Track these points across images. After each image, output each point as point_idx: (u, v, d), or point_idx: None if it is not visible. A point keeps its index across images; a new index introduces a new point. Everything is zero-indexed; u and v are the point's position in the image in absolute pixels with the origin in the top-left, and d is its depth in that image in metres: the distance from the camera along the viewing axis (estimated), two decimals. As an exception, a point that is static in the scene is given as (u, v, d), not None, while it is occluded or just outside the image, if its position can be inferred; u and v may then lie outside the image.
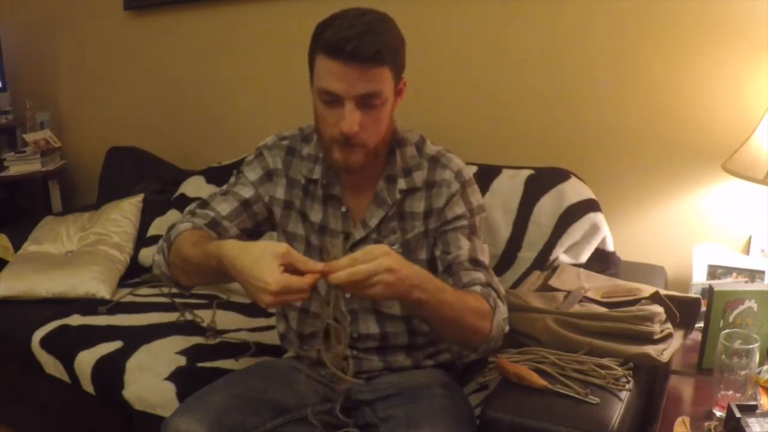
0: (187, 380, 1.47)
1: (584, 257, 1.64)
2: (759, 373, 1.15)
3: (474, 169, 1.73)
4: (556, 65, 1.84)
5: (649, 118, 1.74)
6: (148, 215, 2.26)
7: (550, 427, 1.06)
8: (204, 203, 1.32)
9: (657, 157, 1.75)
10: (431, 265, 1.25)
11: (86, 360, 1.62)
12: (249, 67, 2.40)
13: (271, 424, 1.21)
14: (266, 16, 2.29)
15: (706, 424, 1.10)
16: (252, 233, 1.33)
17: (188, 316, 1.80)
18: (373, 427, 1.23)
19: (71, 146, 2.98)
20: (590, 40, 1.78)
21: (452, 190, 1.25)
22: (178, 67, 2.60)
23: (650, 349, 1.20)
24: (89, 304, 1.88)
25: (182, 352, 1.59)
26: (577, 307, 1.35)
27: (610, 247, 1.68)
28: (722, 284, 1.33)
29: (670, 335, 1.26)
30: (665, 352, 1.21)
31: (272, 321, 1.64)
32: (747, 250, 1.65)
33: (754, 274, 1.52)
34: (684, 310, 1.32)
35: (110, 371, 1.58)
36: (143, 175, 2.40)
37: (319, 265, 1.00)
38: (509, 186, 1.71)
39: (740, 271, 1.53)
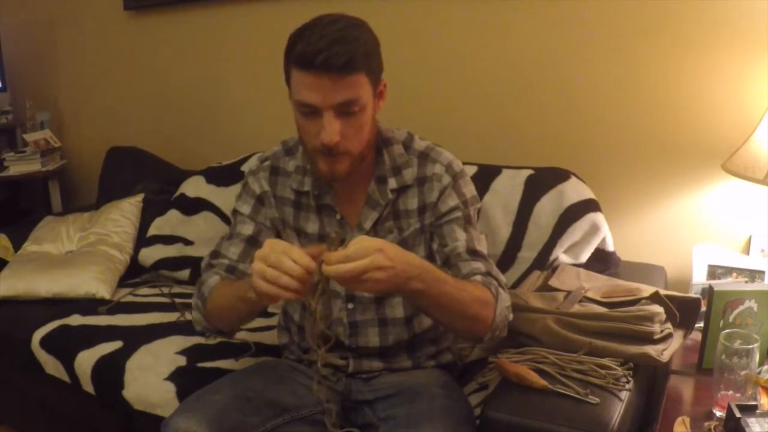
0: (187, 380, 1.47)
1: (584, 257, 1.64)
2: (759, 373, 1.15)
3: (474, 169, 1.74)
4: (556, 65, 1.84)
5: (649, 118, 1.74)
6: (148, 215, 2.26)
7: (550, 427, 1.06)
8: (215, 253, 1.33)
9: (657, 157, 1.75)
10: (430, 260, 1.25)
11: (86, 360, 1.62)
12: (249, 67, 2.41)
13: (270, 423, 1.21)
14: (266, 17, 2.30)
15: (706, 424, 1.10)
16: None
17: (188, 316, 1.80)
18: (372, 427, 1.23)
19: (71, 146, 2.98)
20: (590, 40, 1.78)
21: (444, 184, 1.24)
22: (178, 67, 2.60)
23: (650, 349, 1.20)
24: (89, 304, 1.88)
25: (182, 352, 1.59)
26: (577, 307, 1.35)
27: (610, 247, 1.68)
28: (722, 284, 1.33)
29: (670, 335, 1.26)
30: (665, 352, 1.21)
31: (272, 321, 1.65)
32: (747, 250, 1.65)
33: (754, 274, 1.52)
34: (684, 310, 1.32)
35: (110, 371, 1.58)
36: (143, 175, 2.40)
37: (315, 251, 1.00)
38: (509, 186, 1.71)
39: (740, 271, 1.53)
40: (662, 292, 1.34)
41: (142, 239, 2.19)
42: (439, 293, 1.08)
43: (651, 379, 1.31)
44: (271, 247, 1.01)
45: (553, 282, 1.48)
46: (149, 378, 1.52)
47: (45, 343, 1.73)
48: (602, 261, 1.66)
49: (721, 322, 1.26)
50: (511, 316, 1.22)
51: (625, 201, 1.80)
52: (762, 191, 1.58)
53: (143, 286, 2.05)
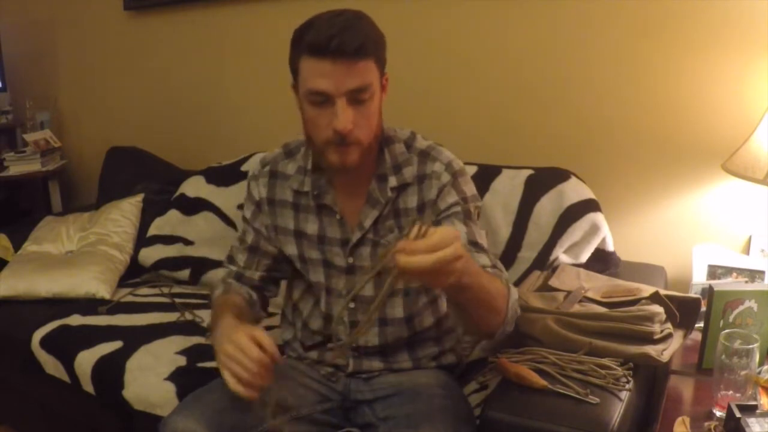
0: (187, 380, 1.47)
1: (584, 257, 1.64)
2: (759, 373, 1.15)
3: (474, 169, 1.74)
4: (556, 65, 1.84)
5: (649, 117, 1.74)
6: (148, 215, 2.26)
7: (550, 427, 1.06)
8: (230, 258, 1.39)
9: (657, 157, 1.75)
10: None
11: (86, 360, 1.62)
12: (249, 67, 2.41)
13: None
14: (266, 16, 2.30)
15: (706, 424, 1.10)
16: (278, 264, 1.37)
17: (188, 316, 1.81)
18: (372, 427, 1.23)
19: (71, 146, 2.99)
20: (590, 40, 1.78)
21: (443, 182, 1.24)
22: (178, 67, 2.60)
23: (650, 349, 1.20)
24: (89, 304, 1.88)
25: (182, 352, 1.59)
26: (577, 307, 1.35)
27: (610, 247, 1.68)
28: (722, 284, 1.33)
29: (670, 335, 1.26)
30: (665, 352, 1.21)
31: (272, 321, 1.64)
32: (747, 250, 1.65)
33: (754, 274, 1.52)
34: (684, 310, 1.32)
35: (110, 371, 1.58)
36: (143, 175, 2.40)
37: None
38: (509, 186, 1.71)
39: (740, 271, 1.53)
40: (662, 292, 1.34)
41: (142, 239, 2.19)
42: (478, 286, 1.04)
43: (651, 379, 1.31)
44: (234, 339, 1.09)
45: (553, 282, 1.48)
46: (149, 378, 1.52)
47: (45, 343, 1.73)
48: (602, 261, 1.66)
49: (721, 322, 1.26)
50: (519, 311, 1.22)
51: (625, 201, 1.80)
52: (762, 191, 1.58)
53: (143, 286, 2.05)
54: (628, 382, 1.16)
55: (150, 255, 2.13)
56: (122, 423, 1.58)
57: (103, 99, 2.87)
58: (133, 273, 2.12)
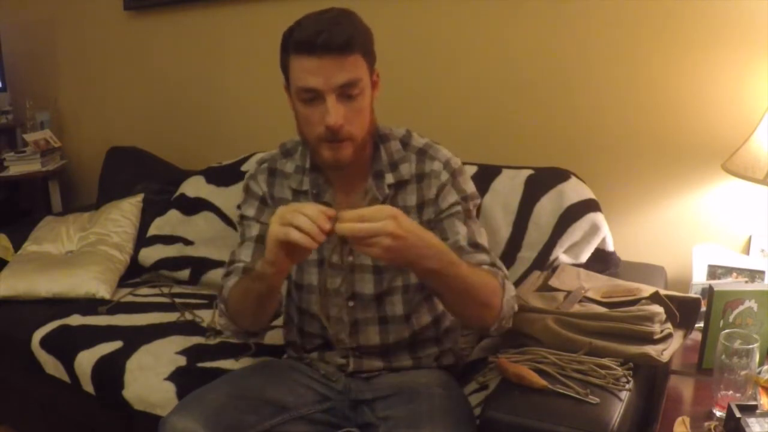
0: (187, 380, 1.47)
1: (584, 257, 1.64)
2: (759, 373, 1.15)
3: (474, 169, 1.74)
4: (556, 65, 1.84)
5: (649, 118, 1.74)
6: (148, 215, 2.26)
7: (550, 427, 1.06)
8: (230, 261, 1.34)
9: (657, 157, 1.75)
10: None
11: (86, 360, 1.62)
12: (249, 67, 2.41)
13: (269, 422, 1.21)
14: (266, 16, 2.30)
15: (706, 424, 1.10)
16: None
17: (188, 316, 1.80)
18: (372, 426, 1.23)
19: (71, 146, 2.99)
20: (590, 40, 1.78)
21: (442, 180, 1.25)
22: (178, 67, 2.60)
23: (650, 349, 1.20)
24: (89, 304, 1.88)
25: (182, 352, 1.59)
26: (577, 307, 1.35)
27: (610, 247, 1.68)
28: (722, 284, 1.33)
29: (670, 335, 1.26)
30: (665, 352, 1.21)
31: (274, 321, 1.64)
32: (747, 250, 1.65)
33: (754, 274, 1.52)
34: (684, 310, 1.32)
35: (110, 371, 1.58)
36: (143, 175, 2.40)
37: (330, 212, 1.01)
38: (509, 186, 1.71)
39: (740, 271, 1.53)
40: (662, 292, 1.34)
41: (142, 239, 2.19)
42: (453, 275, 1.08)
43: (651, 379, 1.31)
44: (286, 205, 1.04)
45: (553, 282, 1.48)
46: (149, 378, 1.52)
47: (45, 343, 1.73)
48: (602, 261, 1.66)
49: (721, 322, 1.26)
50: (516, 307, 1.23)
51: (625, 201, 1.80)
52: (762, 191, 1.58)
53: (143, 286, 2.05)
54: (628, 382, 1.16)
55: (150, 255, 2.13)
56: (122, 423, 1.58)
57: (103, 99, 2.87)
58: (133, 273, 2.12)
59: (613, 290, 1.41)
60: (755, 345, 1.10)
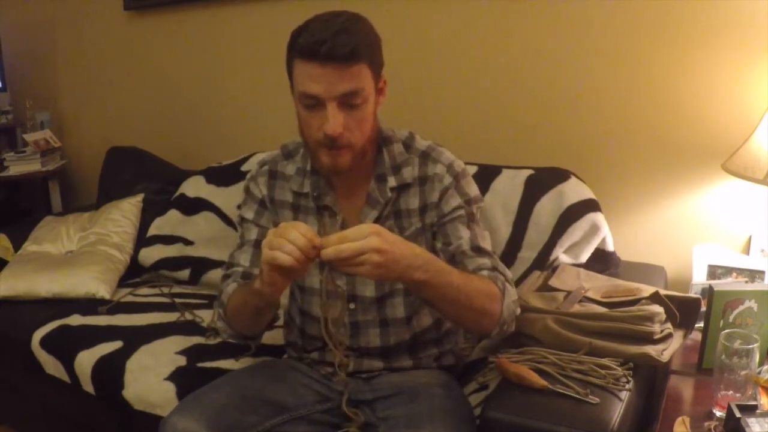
0: (187, 380, 1.47)
1: (584, 257, 1.64)
2: (759, 373, 1.15)
3: (474, 169, 1.73)
4: (556, 65, 1.84)
5: (649, 117, 1.74)
6: (148, 215, 2.26)
7: (550, 427, 1.06)
8: (229, 264, 1.35)
9: (657, 157, 1.75)
10: None
11: (86, 360, 1.62)
12: (249, 67, 2.41)
13: (269, 423, 1.21)
14: (266, 16, 2.30)
15: (706, 424, 1.10)
16: None
17: (188, 316, 1.81)
18: (372, 427, 1.23)
19: (71, 146, 2.99)
20: (590, 40, 1.78)
21: (445, 184, 1.25)
22: (178, 67, 2.60)
23: (650, 349, 1.20)
24: (89, 304, 1.88)
25: (182, 352, 1.59)
26: (577, 307, 1.35)
27: (610, 247, 1.68)
28: (722, 284, 1.33)
29: (670, 335, 1.26)
30: (665, 352, 1.21)
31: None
32: (747, 250, 1.65)
33: (754, 274, 1.52)
34: (684, 310, 1.32)
35: (110, 371, 1.58)
36: (143, 175, 2.40)
37: (315, 239, 1.01)
38: (509, 186, 1.71)
39: (740, 271, 1.53)
40: (662, 292, 1.34)
41: (142, 239, 2.19)
42: (444, 284, 1.08)
43: (651, 379, 1.31)
44: (281, 224, 1.04)
45: (553, 282, 1.48)
46: (149, 378, 1.52)
47: (45, 343, 1.73)
48: (602, 261, 1.66)
49: (721, 322, 1.26)
50: (518, 311, 1.22)
51: (625, 201, 1.80)
52: (762, 191, 1.58)
53: (143, 286, 2.05)
54: (628, 382, 1.16)
55: (150, 255, 2.13)
56: (122, 423, 1.58)
57: (103, 99, 2.87)
58: (133, 273, 2.12)
59: (613, 290, 1.41)
60: (755, 345, 1.10)
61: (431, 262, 1.07)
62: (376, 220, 1.25)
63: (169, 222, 2.17)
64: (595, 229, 1.63)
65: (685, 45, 1.66)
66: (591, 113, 1.82)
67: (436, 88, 2.04)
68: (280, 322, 1.48)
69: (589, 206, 1.63)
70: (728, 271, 1.54)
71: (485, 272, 1.19)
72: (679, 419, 1.11)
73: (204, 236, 2.09)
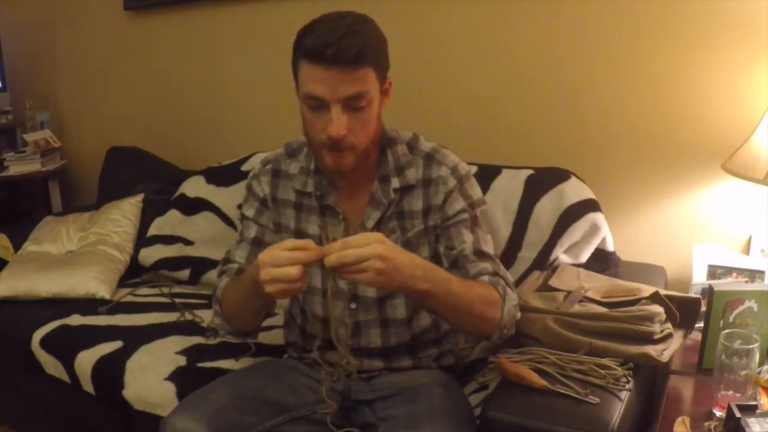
0: (187, 380, 1.47)
1: (584, 257, 1.64)
2: (759, 373, 1.15)
3: (474, 169, 1.73)
4: (556, 65, 1.84)
5: (649, 118, 1.74)
6: (148, 215, 2.26)
7: (550, 427, 1.06)
8: (227, 259, 1.35)
9: (657, 157, 1.75)
10: (435, 262, 1.25)
11: (86, 360, 1.62)
12: (249, 67, 2.41)
13: (269, 423, 1.21)
14: (266, 16, 2.30)
15: (706, 424, 1.10)
16: None
17: (188, 316, 1.81)
18: (372, 427, 1.24)
19: (71, 146, 2.98)
20: (590, 40, 1.78)
21: (449, 187, 1.25)
22: (178, 67, 2.60)
23: (650, 349, 1.20)
24: (89, 304, 1.88)
25: (182, 352, 1.59)
26: (577, 307, 1.35)
27: (610, 247, 1.68)
28: (722, 284, 1.33)
29: (670, 335, 1.26)
30: (665, 352, 1.21)
31: (273, 321, 1.64)
32: (747, 250, 1.65)
33: (754, 274, 1.52)
34: (684, 310, 1.32)
35: (110, 371, 1.58)
36: (143, 175, 2.40)
37: (316, 248, 1.02)
38: (509, 186, 1.71)
39: (740, 271, 1.53)
40: (662, 292, 1.34)
41: (142, 239, 2.19)
42: (445, 293, 1.09)
43: (651, 379, 1.31)
44: (269, 250, 1.05)
45: (553, 282, 1.48)
46: (149, 378, 1.52)
47: (45, 343, 1.73)
48: (602, 261, 1.66)
49: (721, 322, 1.26)
50: (519, 315, 1.23)
51: (625, 201, 1.80)
52: (762, 191, 1.58)
53: (143, 286, 2.05)
54: (628, 382, 1.16)
55: (150, 255, 2.13)
56: (122, 423, 1.58)
57: (103, 99, 2.87)
58: (133, 273, 2.12)
59: (613, 290, 1.41)
60: (755, 345, 1.10)
61: (432, 272, 1.09)
62: (379, 221, 1.25)
63: (169, 222, 2.17)
64: (595, 229, 1.63)
65: (685, 45, 1.66)
66: (591, 113, 1.82)
67: (436, 88, 2.04)
68: (280, 322, 1.48)
69: (589, 206, 1.63)
70: (728, 271, 1.54)
71: (486, 277, 1.20)
72: (679, 419, 1.11)
73: (204, 236, 2.09)
